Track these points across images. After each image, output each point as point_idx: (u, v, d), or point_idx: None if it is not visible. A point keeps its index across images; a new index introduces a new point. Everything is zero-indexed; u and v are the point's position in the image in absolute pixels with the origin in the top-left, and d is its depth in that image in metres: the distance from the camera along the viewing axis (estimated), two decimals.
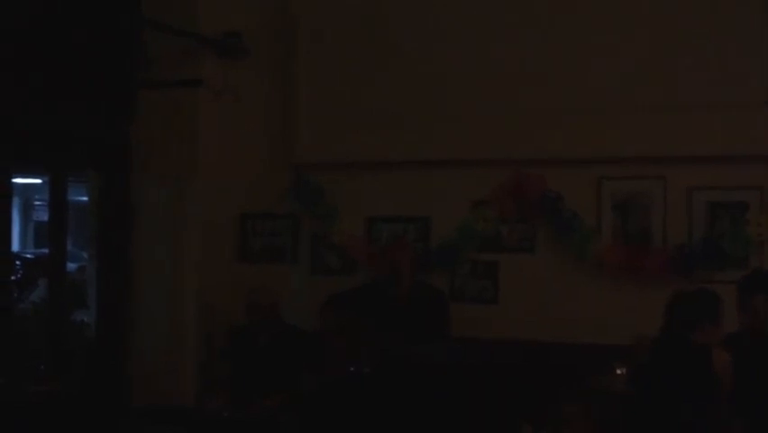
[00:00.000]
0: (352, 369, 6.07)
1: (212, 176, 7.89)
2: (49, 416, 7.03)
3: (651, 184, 7.00)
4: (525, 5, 7.27)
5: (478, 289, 7.46)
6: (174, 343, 7.75)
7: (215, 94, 7.93)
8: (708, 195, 6.87)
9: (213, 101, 7.94)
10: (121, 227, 7.90)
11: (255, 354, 6.98)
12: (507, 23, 7.26)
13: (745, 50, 6.72)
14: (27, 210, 22.97)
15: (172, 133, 7.82)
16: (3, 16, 6.72)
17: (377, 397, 5.85)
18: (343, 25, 7.79)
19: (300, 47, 7.88)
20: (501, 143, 7.20)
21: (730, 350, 5.08)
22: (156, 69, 7.76)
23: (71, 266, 9.71)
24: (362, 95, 7.70)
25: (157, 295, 7.79)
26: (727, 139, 6.63)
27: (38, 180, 16.04)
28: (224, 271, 7.95)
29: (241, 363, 7.03)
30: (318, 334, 6.67)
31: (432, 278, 7.33)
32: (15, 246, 16.72)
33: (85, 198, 9.25)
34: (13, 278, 10.10)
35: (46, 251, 9.15)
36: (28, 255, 16.83)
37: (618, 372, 5.83)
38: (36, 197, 22.00)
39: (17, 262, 13.48)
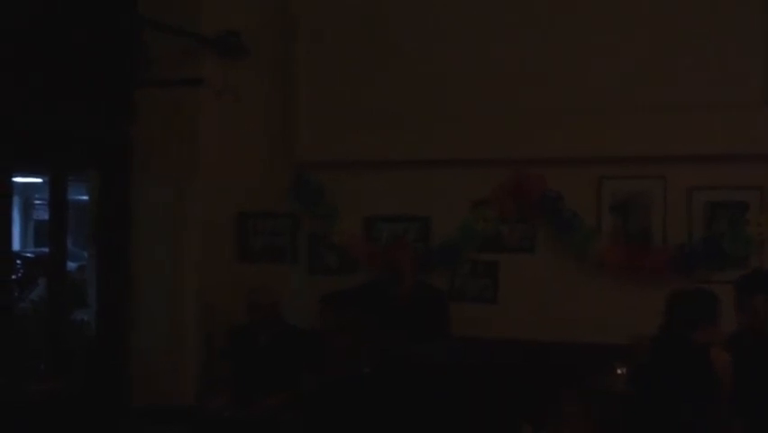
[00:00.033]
0: (352, 369, 6.07)
1: (212, 176, 7.90)
2: (49, 415, 7.05)
3: (651, 184, 7.00)
4: (525, 5, 7.27)
5: (478, 288, 7.47)
6: (174, 342, 7.76)
7: (216, 93, 7.93)
8: (708, 195, 6.87)
9: (213, 101, 7.94)
10: (121, 227, 7.91)
11: (255, 353, 6.99)
12: (507, 22, 7.26)
13: (745, 50, 6.71)
14: (27, 209, 22.96)
15: (172, 133, 7.83)
16: (3, 16, 6.72)
17: (377, 397, 5.84)
18: (343, 25, 7.79)
19: (300, 47, 7.88)
20: (501, 143, 7.19)
21: (730, 350, 5.08)
22: (156, 68, 7.76)
23: (71, 265, 9.71)
24: (362, 94, 7.70)
25: (157, 295, 7.80)
26: (727, 139, 6.63)
27: (38, 180, 16.05)
28: (224, 271, 7.96)
29: (241, 363, 7.05)
30: (318, 333, 6.67)
31: (432, 278, 7.33)
32: (16, 245, 16.73)
33: (85, 198, 9.26)
34: (13, 277, 10.09)
35: (46, 250, 9.15)
36: (28, 254, 16.82)
37: (619, 371, 5.83)
38: (36, 196, 21.99)
39: (17, 261, 13.47)
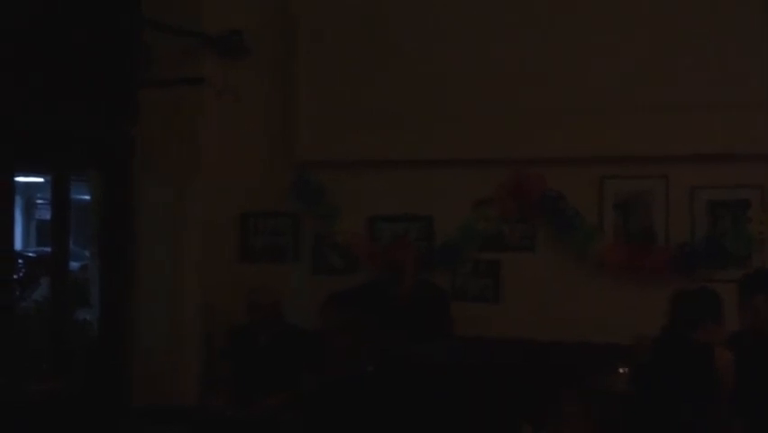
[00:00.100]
0: (352, 369, 6.07)
1: (212, 175, 7.90)
2: (50, 415, 7.05)
3: (652, 183, 7.00)
4: (525, 5, 7.26)
5: (479, 288, 7.46)
6: (175, 342, 7.76)
7: (216, 93, 7.93)
8: (710, 194, 6.87)
9: (213, 101, 7.94)
10: (122, 227, 7.91)
11: (256, 353, 6.99)
12: (507, 22, 7.25)
13: (745, 50, 6.71)
14: (29, 209, 22.98)
15: (173, 133, 7.84)
16: (3, 16, 6.72)
17: (377, 397, 5.84)
18: (344, 25, 7.79)
19: (300, 47, 7.88)
20: (503, 143, 7.20)
21: (732, 349, 5.08)
22: (157, 68, 7.78)
23: (73, 265, 9.71)
24: (363, 94, 7.70)
25: (158, 294, 7.81)
26: (728, 138, 6.62)
27: (40, 179, 16.06)
28: (224, 271, 7.96)
29: (241, 363, 7.05)
30: (319, 333, 6.67)
31: (434, 277, 7.32)
32: (18, 245, 16.76)
33: (87, 197, 9.26)
34: (15, 276, 10.10)
35: (48, 249, 9.17)
36: (30, 254, 16.85)
37: (621, 371, 5.83)
38: (38, 195, 22.01)
39: (19, 261, 13.49)
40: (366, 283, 7.22)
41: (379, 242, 7.63)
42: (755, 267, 6.29)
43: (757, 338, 5.35)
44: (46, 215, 19.20)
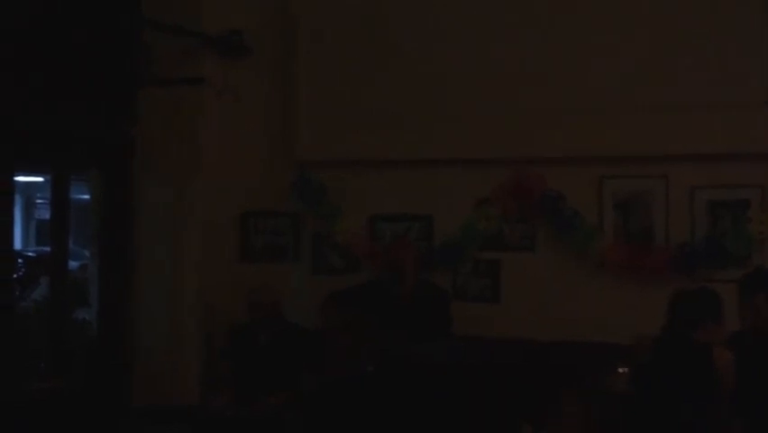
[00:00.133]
0: (352, 369, 6.08)
1: (213, 175, 7.89)
2: (50, 414, 7.06)
3: (652, 183, 7.01)
4: (525, 5, 7.27)
5: (480, 287, 7.47)
6: (175, 342, 7.76)
7: (216, 93, 7.93)
8: (710, 193, 6.88)
9: (214, 100, 7.93)
10: (122, 227, 7.91)
11: (256, 352, 7.00)
12: (507, 22, 7.26)
13: (745, 50, 6.72)
14: (29, 208, 22.96)
15: (173, 133, 7.83)
16: (3, 16, 6.72)
17: (377, 397, 5.85)
18: (343, 25, 7.79)
19: (301, 46, 7.88)
20: (503, 143, 7.21)
21: (732, 349, 5.08)
22: (156, 68, 7.76)
23: (73, 264, 9.71)
24: (363, 94, 7.70)
25: (158, 294, 7.80)
26: (728, 138, 6.63)
27: (40, 179, 16.06)
28: (224, 271, 7.95)
29: (242, 363, 7.05)
30: (320, 332, 6.68)
31: (434, 276, 7.33)
32: (17, 244, 16.77)
33: (86, 197, 9.26)
34: (15, 276, 10.10)
35: (48, 249, 9.16)
36: (30, 253, 16.83)
37: (621, 370, 5.82)
38: (38, 195, 21.99)
39: (19, 260, 13.49)
40: (367, 282, 7.24)
41: (380, 241, 7.63)
42: (755, 267, 6.28)
43: (758, 338, 5.33)
44: (46, 214, 19.17)
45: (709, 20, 6.79)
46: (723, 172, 6.80)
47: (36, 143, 7.25)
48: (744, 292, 5.42)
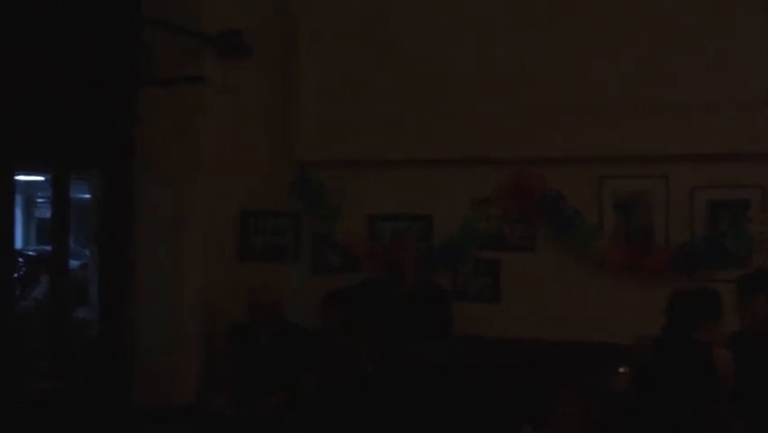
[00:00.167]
0: (352, 369, 6.08)
1: (213, 175, 7.90)
2: (50, 414, 7.07)
3: (652, 183, 6.99)
4: (525, 5, 7.26)
5: (480, 287, 7.46)
6: (175, 342, 7.76)
7: (216, 92, 7.93)
8: (710, 193, 6.85)
9: (214, 100, 7.94)
10: (122, 226, 7.91)
11: (256, 352, 7.01)
12: (507, 22, 7.25)
13: (745, 50, 6.71)
14: (29, 207, 22.93)
15: (173, 133, 7.83)
16: (3, 16, 6.72)
17: (377, 397, 5.85)
18: (343, 25, 7.79)
19: (300, 46, 7.88)
20: (503, 143, 7.19)
21: (731, 349, 5.08)
22: (156, 67, 7.78)
23: (73, 263, 9.71)
24: (363, 94, 7.70)
25: (158, 294, 7.81)
26: (729, 138, 6.62)
27: (40, 178, 16.05)
28: (224, 271, 7.95)
29: (242, 362, 7.06)
30: (320, 332, 6.68)
31: (434, 276, 7.32)
32: (18, 243, 16.76)
33: (87, 196, 9.26)
34: (15, 275, 10.10)
35: (48, 248, 9.17)
36: (30, 252, 16.83)
37: (621, 370, 5.82)
38: (39, 194, 21.97)
39: (20, 260, 13.49)
40: (367, 282, 7.23)
41: (380, 241, 7.62)
42: (755, 267, 6.28)
43: (757, 338, 5.34)
44: (46, 213, 19.18)
45: (709, 20, 6.77)
46: (723, 172, 6.78)
47: (36, 143, 7.26)
48: (743, 292, 5.43)
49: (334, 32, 7.81)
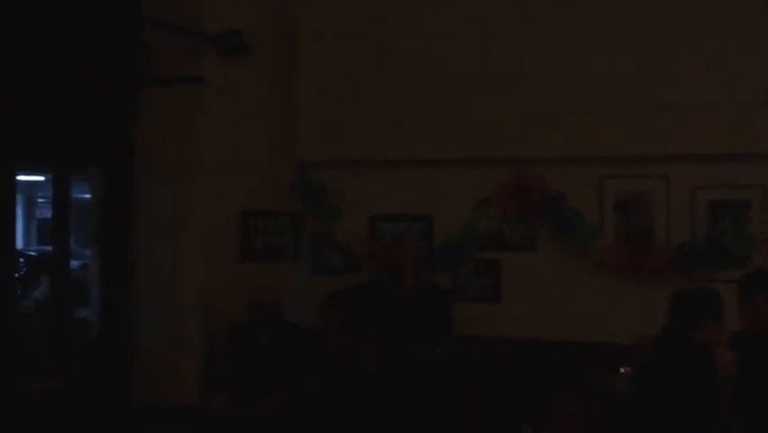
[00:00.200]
0: (352, 369, 6.08)
1: (213, 175, 7.89)
2: (50, 414, 7.05)
3: (653, 183, 7.00)
4: (525, 5, 7.27)
5: (480, 287, 7.46)
6: (175, 342, 7.75)
7: (216, 92, 7.93)
8: (711, 193, 6.86)
9: (214, 100, 7.94)
10: (122, 226, 7.91)
11: (256, 352, 7.01)
12: (507, 22, 7.25)
13: (745, 50, 6.71)
14: (30, 208, 22.87)
15: (173, 133, 7.83)
16: (3, 16, 6.72)
17: (377, 397, 5.86)
18: (344, 25, 7.79)
19: (301, 46, 7.88)
20: (504, 142, 7.20)
21: (732, 349, 5.07)
22: (157, 67, 7.77)
23: (74, 264, 9.71)
24: (363, 94, 7.70)
25: (158, 294, 7.80)
26: (729, 138, 6.62)
27: (41, 178, 16.04)
28: (224, 271, 7.95)
29: (242, 362, 7.06)
30: (320, 332, 6.68)
31: (435, 276, 7.33)
32: (19, 243, 16.74)
33: (87, 196, 9.26)
34: (16, 275, 10.10)
35: (49, 248, 9.17)
36: (31, 253, 16.80)
37: (622, 370, 5.83)
38: (39, 194, 21.93)
39: (20, 260, 13.48)
40: (367, 282, 7.23)
41: (381, 241, 7.62)
42: (756, 267, 6.27)
43: (757, 338, 5.33)
44: (47, 213, 19.16)
45: (709, 20, 6.77)
46: (723, 172, 6.79)
47: (37, 143, 7.26)
48: (744, 292, 5.41)
49: (334, 32, 7.81)
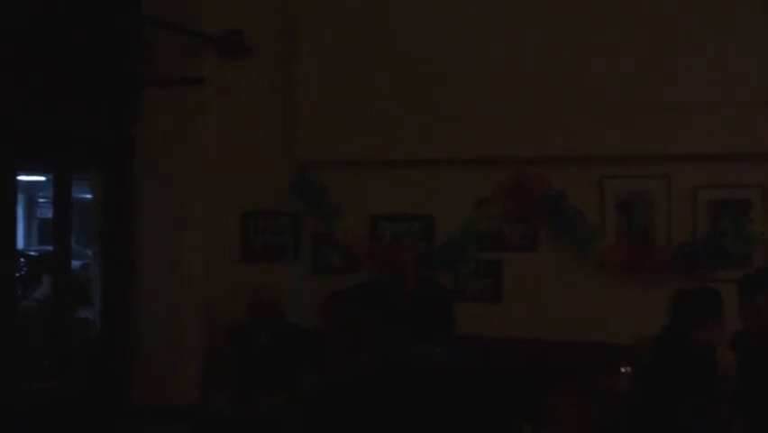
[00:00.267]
0: (352, 369, 6.08)
1: (213, 175, 7.90)
2: (51, 414, 7.05)
3: (653, 183, 7.00)
4: (525, 5, 7.27)
5: (480, 287, 7.46)
6: (175, 342, 7.75)
7: (216, 93, 7.94)
8: (712, 193, 6.86)
9: (214, 100, 7.94)
10: (123, 226, 7.91)
11: (256, 352, 7.02)
12: (507, 22, 7.26)
13: (745, 50, 6.71)
14: (31, 207, 22.87)
15: (173, 133, 7.83)
16: (3, 16, 6.72)
17: (377, 397, 5.86)
18: (343, 25, 7.79)
19: (301, 46, 7.88)
20: (505, 142, 7.20)
21: (733, 349, 5.07)
22: (157, 67, 7.77)
23: (75, 264, 9.72)
24: (363, 94, 7.70)
25: (159, 294, 7.80)
26: (729, 138, 6.63)
27: (42, 178, 16.06)
28: (225, 271, 7.95)
29: (242, 362, 7.06)
30: (320, 332, 6.69)
31: (435, 276, 7.32)
32: (20, 243, 16.75)
33: (88, 196, 9.26)
34: (17, 275, 10.10)
35: (50, 248, 9.17)
36: (32, 252, 16.81)
37: (623, 370, 5.83)
38: (40, 194, 21.94)
39: (21, 260, 13.48)
40: (367, 282, 7.23)
41: (381, 241, 7.62)
42: (756, 267, 6.27)
43: (758, 338, 5.33)
44: (48, 213, 19.14)
45: (709, 20, 6.78)
46: (724, 172, 6.80)
47: (37, 143, 7.26)
48: (744, 292, 5.40)
49: (334, 32, 7.81)
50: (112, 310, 7.95)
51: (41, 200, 22.56)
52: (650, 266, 6.85)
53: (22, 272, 12.47)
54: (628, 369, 5.74)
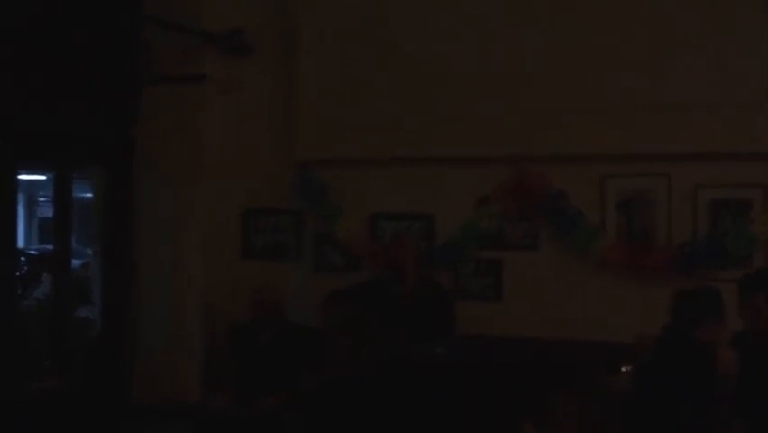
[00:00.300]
0: (352, 369, 6.07)
1: (214, 174, 7.90)
2: (51, 413, 7.06)
3: (655, 182, 6.99)
4: (525, 5, 7.26)
5: (481, 286, 7.46)
6: (176, 341, 7.76)
7: (217, 91, 7.93)
8: (712, 193, 6.85)
9: (215, 99, 7.94)
10: (123, 225, 7.92)
11: (257, 352, 7.01)
12: (507, 22, 7.25)
13: (745, 50, 6.70)
14: (31, 206, 22.88)
15: (174, 132, 7.83)
16: (3, 16, 6.72)
17: (377, 397, 5.85)
18: (344, 25, 7.80)
19: (301, 46, 7.89)
20: (505, 141, 7.20)
21: (734, 349, 5.07)
22: (157, 66, 7.77)
23: (75, 263, 9.72)
24: (363, 93, 7.71)
25: (159, 293, 7.80)
26: (730, 137, 6.62)
27: (42, 177, 16.06)
28: (226, 269, 7.96)
29: (243, 362, 7.06)
30: (321, 331, 6.68)
31: (436, 275, 7.32)
32: (20, 242, 16.76)
33: (89, 195, 9.26)
34: (17, 274, 10.10)
35: (50, 247, 9.18)
36: (32, 251, 16.82)
37: (623, 369, 5.83)
38: (40, 193, 21.94)
39: (21, 259, 13.48)
40: (368, 281, 7.22)
41: (381, 240, 7.62)
42: (756, 267, 6.27)
43: (758, 338, 5.33)
44: (48, 212, 19.14)
45: (709, 20, 6.76)
46: (724, 172, 6.78)
47: (37, 143, 7.28)
48: (744, 292, 5.40)
49: (335, 32, 7.82)
50: (112, 310, 7.95)
51: (42, 199, 22.57)
52: (650, 266, 6.84)
53: (23, 271, 12.49)
54: (629, 368, 5.74)
